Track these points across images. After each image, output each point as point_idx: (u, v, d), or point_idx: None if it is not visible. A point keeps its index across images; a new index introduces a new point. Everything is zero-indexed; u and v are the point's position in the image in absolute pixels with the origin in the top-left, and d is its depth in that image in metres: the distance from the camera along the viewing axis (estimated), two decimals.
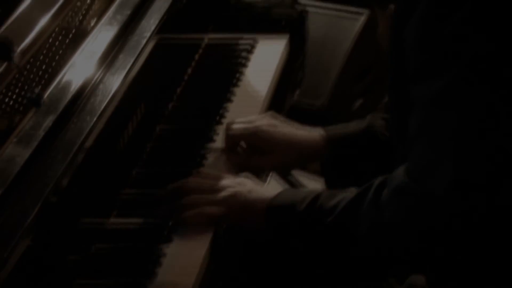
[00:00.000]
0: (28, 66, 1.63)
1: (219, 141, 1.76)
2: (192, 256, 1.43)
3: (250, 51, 2.10)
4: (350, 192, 1.41)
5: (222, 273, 1.55)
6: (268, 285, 1.71)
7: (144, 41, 1.75)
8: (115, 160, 1.67)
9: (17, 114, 1.52)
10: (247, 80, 2.01)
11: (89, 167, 1.52)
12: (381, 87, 2.53)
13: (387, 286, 1.64)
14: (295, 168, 1.83)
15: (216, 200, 1.53)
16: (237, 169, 1.71)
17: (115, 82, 1.64)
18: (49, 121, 1.48)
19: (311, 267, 1.62)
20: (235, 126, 1.73)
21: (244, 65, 2.05)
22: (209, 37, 2.14)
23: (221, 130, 1.78)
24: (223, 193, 1.53)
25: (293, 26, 2.22)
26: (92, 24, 1.83)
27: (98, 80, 1.63)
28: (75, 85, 1.58)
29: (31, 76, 1.64)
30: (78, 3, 1.86)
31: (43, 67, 1.67)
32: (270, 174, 1.84)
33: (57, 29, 1.76)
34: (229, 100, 1.92)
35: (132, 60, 1.70)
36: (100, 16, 1.83)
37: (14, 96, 1.56)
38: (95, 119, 1.53)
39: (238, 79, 2.00)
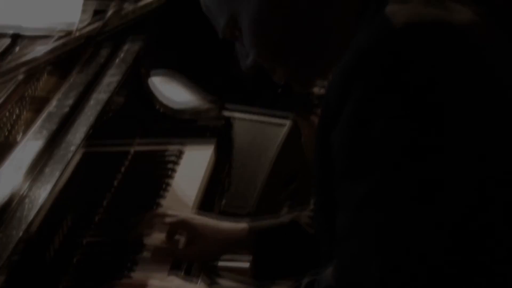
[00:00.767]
0: None
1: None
2: None
3: (176, 161, 2.12)
4: None
5: None
6: None
7: (70, 154, 1.75)
8: (42, 273, 1.63)
9: None
10: (175, 188, 2.03)
11: (16, 281, 1.49)
12: (307, 192, 2.57)
13: None
14: (219, 256, 1.84)
15: None
16: (166, 262, 1.71)
17: (41, 194, 1.62)
18: None
19: None
20: (162, 218, 1.77)
21: (171, 176, 2.06)
22: (136, 147, 2.15)
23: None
24: None
25: (219, 134, 2.25)
26: (18, 137, 1.83)
27: (24, 192, 1.61)
28: (1, 197, 1.57)
29: None
30: (4, 119, 1.87)
31: None
32: (200, 276, 1.83)
33: None
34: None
35: (58, 174, 1.69)
36: (27, 128, 1.83)
37: None
38: (21, 233, 1.51)
39: (166, 188, 2.01)
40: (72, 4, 2.22)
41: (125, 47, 2.16)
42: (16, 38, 2.08)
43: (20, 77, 1.84)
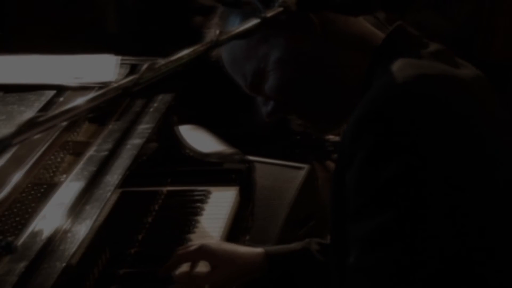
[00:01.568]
0: (2, 218, 1.64)
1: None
2: None
3: (204, 201, 2.13)
4: None
5: None
6: None
7: (108, 194, 1.76)
8: None
9: None
10: (203, 224, 2.03)
11: None
12: (323, 231, 2.57)
13: None
14: (239, 281, 1.83)
15: None
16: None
17: (82, 230, 1.63)
18: (22, 266, 1.47)
19: None
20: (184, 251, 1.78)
21: (200, 214, 2.07)
22: (168, 187, 2.17)
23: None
24: None
25: (242, 178, 2.26)
26: (62, 178, 1.85)
27: (66, 229, 1.62)
28: (46, 233, 1.58)
29: (6, 226, 1.65)
30: (49, 161, 1.89)
31: (17, 218, 1.68)
32: None
33: (29, 184, 1.78)
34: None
35: (98, 211, 1.70)
36: (69, 171, 1.85)
37: None
38: (64, 264, 1.52)
39: (194, 226, 2.02)
40: (110, 61, 2.28)
41: (158, 98, 2.20)
42: (60, 89, 2.12)
43: (63, 124, 1.87)
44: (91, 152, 1.92)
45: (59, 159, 1.95)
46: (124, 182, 1.85)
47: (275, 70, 1.47)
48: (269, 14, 1.34)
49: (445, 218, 1.24)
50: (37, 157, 1.82)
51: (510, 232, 1.31)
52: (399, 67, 1.34)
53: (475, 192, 1.26)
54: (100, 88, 1.18)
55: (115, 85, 1.18)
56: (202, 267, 1.80)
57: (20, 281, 1.44)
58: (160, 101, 2.19)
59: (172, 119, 2.23)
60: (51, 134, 1.89)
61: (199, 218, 2.06)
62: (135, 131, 2.04)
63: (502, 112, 1.44)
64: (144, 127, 2.06)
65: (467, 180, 1.26)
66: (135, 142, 1.99)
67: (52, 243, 1.57)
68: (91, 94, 1.16)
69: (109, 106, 1.20)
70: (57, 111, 1.12)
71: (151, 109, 2.14)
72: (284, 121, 1.62)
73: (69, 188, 1.76)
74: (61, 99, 2.08)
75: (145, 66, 1.21)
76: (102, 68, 2.26)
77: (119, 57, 2.31)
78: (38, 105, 2.03)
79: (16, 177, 1.73)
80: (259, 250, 1.78)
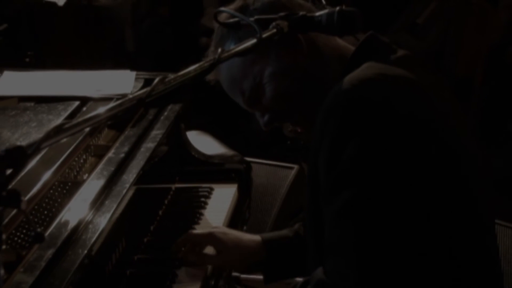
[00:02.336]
0: (33, 211, 1.64)
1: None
2: None
3: (208, 196, 2.12)
4: None
5: None
6: None
7: (125, 190, 1.76)
8: (101, 284, 1.64)
9: (24, 249, 1.51)
10: (207, 217, 2.03)
11: None
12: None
13: None
14: (242, 264, 1.83)
15: None
16: (199, 275, 1.72)
17: (102, 222, 1.63)
18: (49, 253, 1.47)
19: None
20: (193, 236, 1.77)
21: (204, 207, 2.07)
22: (176, 184, 2.16)
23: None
24: None
25: (241, 177, 2.26)
26: (84, 177, 1.85)
27: (88, 220, 1.62)
28: (71, 224, 1.58)
29: (36, 218, 1.65)
30: (74, 162, 1.89)
31: (45, 211, 1.68)
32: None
33: (56, 182, 1.77)
34: None
35: (115, 205, 1.69)
36: (91, 171, 1.85)
37: (22, 235, 1.56)
38: (86, 251, 1.51)
39: (199, 218, 2.01)
40: (127, 77, 2.28)
41: (168, 107, 2.19)
42: (84, 100, 2.12)
43: (86, 130, 1.87)
44: (110, 154, 1.91)
45: (82, 160, 1.94)
46: (139, 180, 1.84)
47: (270, 83, 1.48)
48: (265, 35, 1.35)
49: (397, 189, 1.25)
50: (63, 158, 1.81)
51: (453, 200, 1.33)
52: (363, 67, 1.37)
53: (421, 169, 1.28)
54: (118, 99, 1.18)
55: (131, 96, 1.18)
56: (208, 250, 1.80)
57: (48, 266, 1.44)
58: (170, 110, 2.18)
59: (180, 126, 2.22)
60: (76, 139, 1.89)
61: (203, 211, 2.05)
62: (148, 136, 2.03)
63: (460, 114, 1.45)
64: (156, 133, 2.05)
65: (411, 156, 1.27)
66: (148, 145, 1.98)
67: (76, 233, 1.57)
68: (111, 104, 1.16)
69: (126, 115, 1.20)
70: (80, 119, 1.12)
71: (162, 117, 2.14)
72: (277, 129, 1.63)
73: (91, 186, 1.75)
74: (85, 108, 2.08)
75: (156, 80, 1.21)
76: (120, 82, 2.26)
77: (135, 73, 2.31)
78: (64, 114, 2.02)
79: (45, 176, 1.72)
80: (257, 237, 1.78)
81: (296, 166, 2.89)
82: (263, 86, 1.49)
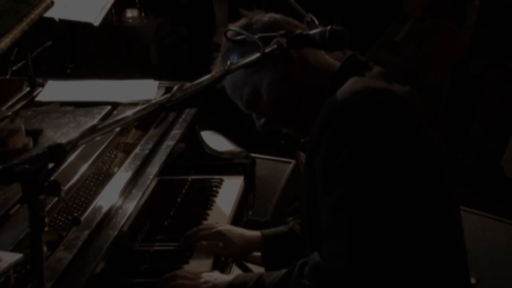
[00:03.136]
0: (71, 199, 1.63)
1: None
2: None
3: (219, 186, 2.11)
4: (282, 272, 1.41)
5: None
6: None
7: (149, 181, 1.75)
8: (129, 258, 1.63)
9: (64, 230, 1.51)
10: (218, 203, 2.01)
11: (113, 263, 1.49)
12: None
13: None
14: (244, 255, 1.82)
15: (195, 285, 1.49)
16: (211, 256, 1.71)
17: (130, 207, 1.63)
18: (85, 234, 1.47)
19: None
20: (205, 231, 1.74)
21: (215, 195, 2.05)
22: (192, 176, 2.15)
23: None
24: (200, 281, 1.51)
25: (246, 170, 2.24)
26: (115, 170, 1.84)
27: (118, 206, 1.62)
28: (103, 210, 1.57)
29: (74, 204, 1.64)
30: (106, 157, 1.88)
31: (82, 198, 1.67)
32: (233, 267, 1.82)
33: (91, 174, 1.77)
34: (205, 219, 1.90)
35: (141, 194, 1.69)
36: (120, 165, 1.84)
37: (62, 219, 1.56)
38: (115, 233, 1.51)
39: (211, 204, 2.00)
40: (151, 86, 2.27)
41: (186, 111, 2.18)
42: (115, 105, 2.12)
43: (117, 129, 1.86)
44: (136, 150, 1.91)
45: (113, 156, 1.94)
46: (161, 172, 1.83)
47: (267, 90, 1.49)
48: (267, 50, 1.34)
49: (382, 186, 1.26)
50: (97, 154, 1.81)
51: (435, 197, 1.34)
52: (350, 82, 1.37)
53: (407, 170, 1.29)
54: (144, 103, 1.18)
55: (154, 101, 1.18)
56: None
57: (84, 244, 1.44)
58: (187, 113, 2.17)
59: (195, 126, 2.21)
60: (108, 137, 1.88)
61: (215, 198, 2.04)
62: (169, 135, 2.02)
63: (431, 120, 1.44)
64: (175, 132, 2.04)
65: (399, 159, 1.29)
66: (168, 143, 1.97)
67: (108, 216, 1.57)
68: (137, 108, 1.16)
69: (150, 117, 1.19)
70: (111, 120, 1.11)
71: (180, 119, 2.13)
72: (277, 130, 1.62)
73: (120, 177, 1.75)
74: (115, 112, 2.07)
75: (176, 87, 1.20)
76: (145, 90, 2.25)
77: (158, 82, 2.30)
78: (98, 116, 2.02)
79: (82, 169, 1.72)
80: (257, 233, 1.77)
81: (293, 161, 2.89)
82: (261, 93, 1.49)
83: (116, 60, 5.30)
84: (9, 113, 1.96)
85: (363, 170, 1.26)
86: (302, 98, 1.47)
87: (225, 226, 1.80)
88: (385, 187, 1.26)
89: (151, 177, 1.77)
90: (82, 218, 1.52)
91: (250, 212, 2.17)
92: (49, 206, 1.50)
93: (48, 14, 2.24)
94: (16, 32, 1.99)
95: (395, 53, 4.42)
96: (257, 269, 2.32)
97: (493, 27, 4.46)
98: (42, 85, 2.27)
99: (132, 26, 5.67)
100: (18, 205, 1.50)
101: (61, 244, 1.43)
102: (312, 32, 1.39)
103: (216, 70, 1.37)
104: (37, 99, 2.18)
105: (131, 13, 5.76)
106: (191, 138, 2.19)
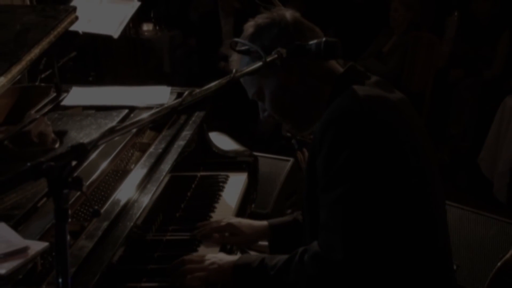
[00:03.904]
0: (92, 193, 1.62)
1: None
2: None
3: (225, 182, 2.10)
4: (283, 257, 1.39)
5: None
6: None
7: (162, 177, 1.74)
8: (144, 246, 1.62)
9: (86, 221, 1.49)
10: (224, 197, 1.99)
11: (129, 252, 1.48)
12: (301, 202, 2.55)
13: None
14: (252, 244, 1.80)
15: (202, 267, 1.48)
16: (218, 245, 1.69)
17: (145, 200, 1.61)
18: (105, 225, 1.45)
19: None
20: (216, 225, 1.72)
21: (222, 190, 2.04)
22: (200, 174, 2.13)
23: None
24: (206, 263, 1.49)
25: (250, 167, 2.22)
26: (132, 167, 1.82)
27: (134, 200, 1.60)
28: (121, 203, 1.56)
29: (94, 198, 1.62)
30: (124, 156, 1.87)
31: (102, 192, 1.66)
32: (238, 254, 1.80)
33: (111, 170, 1.75)
34: (213, 211, 1.89)
35: (155, 188, 1.68)
36: (136, 162, 1.83)
37: (84, 211, 1.55)
38: (132, 224, 1.50)
39: (218, 198, 1.98)
40: (164, 91, 2.25)
41: (195, 114, 2.17)
42: (131, 109, 2.10)
43: (133, 131, 1.85)
44: (151, 149, 1.89)
45: (130, 154, 1.93)
46: (173, 169, 1.82)
47: (269, 95, 1.48)
48: (269, 59, 1.33)
49: (376, 187, 1.26)
50: (116, 152, 1.80)
51: (420, 197, 1.34)
52: (350, 90, 1.36)
53: (398, 172, 1.29)
54: (157, 107, 1.17)
55: (167, 105, 1.17)
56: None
57: (104, 234, 1.43)
58: (197, 116, 2.16)
59: (204, 128, 2.20)
60: (125, 137, 1.87)
61: (221, 193, 2.02)
62: (180, 136, 2.00)
63: (419, 123, 1.44)
64: (186, 133, 2.03)
65: (392, 162, 1.29)
66: (180, 143, 1.96)
67: (125, 209, 1.55)
68: (151, 111, 1.15)
69: (163, 119, 1.18)
70: (129, 122, 1.11)
71: (190, 121, 2.12)
72: (277, 131, 1.62)
73: (137, 173, 1.73)
74: (132, 115, 2.06)
75: (186, 93, 1.20)
76: (159, 95, 2.23)
77: (170, 88, 2.29)
78: (117, 118, 2.01)
79: (102, 166, 1.71)
80: (264, 223, 1.75)
81: (291, 159, 2.87)
82: (264, 95, 1.48)
83: (133, 69, 5.30)
84: (38, 116, 1.95)
85: (360, 172, 1.26)
86: (301, 105, 1.46)
87: (234, 218, 1.78)
88: (379, 187, 1.26)
89: (164, 173, 1.76)
90: (102, 210, 1.51)
91: (253, 205, 2.16)
92: (72, 199, 1.49)
93: (73, 27, 2.23)
94: (44, 44, 1.98)
95: (382, 63, 4.41)
96: None
97: (470, 40, 4.46)
98: (67, 91, 2.26)
99: (147, 38, 5.67)
100: (45, 199, 1.50)
101: (83, 234, 1.41)
102: (309, 43, 1.38)
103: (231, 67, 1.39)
104: (63, 103, 2.17)
105: (146, 27, 5.76)
106: (200, 138, 2.17)
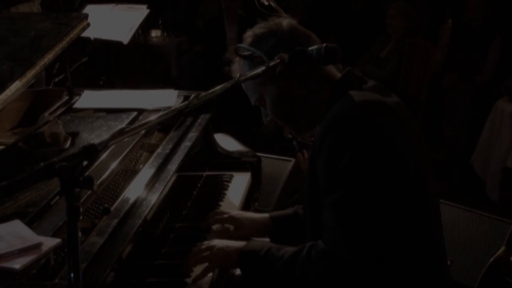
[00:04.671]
0: (103, 191, 1.61)
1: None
2: None
3: (229, 181, 2.09)
4: (290, 249, 1.37)
5: None
6: None
7: (169, 176, 1.73)
8: (152, 243, 1.61)
9: (96, 218, 1.49)
10: (228, 196, 1.99)
11: (137, 247, 1.47)
12: (301, 200, 2.54)
13: None
14: (255, 235, 1.79)
15: (209, 253, 1.47)
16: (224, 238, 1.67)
17: (153, 198, 1.60)
18: (114, 222, 1.45)
19: None
20: (219, 216, 1.72)
21: (226, 189, 2.03)
22: (206, 173, 2.13)
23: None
24: (214, 250, 1.48)
25: (253, 167, 2.22)
26: (140, 167, 1.82)
27: (143, 198, 1.60)
28: (130, 201, 1.55)
29: (105, 196, 1.62)
30: (133, 156, 1.87)
31: (112, 191, 1.65)
32: None
33: (120, 170, 1.75)
34: (218, 209, 1.87)
35: (162, 187, 1.67)
36: (145, 162, 1.82)
37: (95, 208, 1.54)
38: (140, 221, 1.49)
39: (223, 197, 1.98)
40: (172, 95, 2.25)
41: (201, 116, 2.16)
42: (140, 111, 2.10)
43: (142, 132, 1.85)
44: (159, 150, 1.89)
45: (139, 155, 1.92)
46: (179, 169, 1.81)
47: (270, 104, 1.48)
48: (271, 64, 1.32)
49: (375, 190, 1.25)
50: (125, 153, 1.79)
51: (418, 199, 1.33)
52: (349, 95, 1.35)
53: (398, 174, 1.28)
54: (165, 110, 1.16)
55: (174, 108, 1.17)
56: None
57: (114, 231, 1.42)
58: (202, 118, 2.16)
59: (210, 129, 2.19)
60: (134, 138, 1.86)
61: (226, 192, 2.01)
62: (186, 137, 2.00)
63: (414, 126, 1.43)
64: (192, 134, 2.02)
65: (390, 165, 1.28)
66: (186, 144, 1.95)
67: (134, 207, 1.55)
68: (159, 114, 1.15)
69: (170, 121, 1.18)
70: (137, 124, 1.11)
71: (197, 123, 2.11)
72: (279, 133, 1.61)
73: (145, 173, 1.73)
74: (141, 117, 2.06)
75: (192, 96, 1.19)
76: (167, 98, 2.23)
77: (177, 91, 2.28)
78: (126, 120, 2.01)
79: (112, 166, 1.70)
80: (266, 215, 1.74)
81: (293, 159, 2.87)
82: (266, 101, 1.47)
83: (142, 73, 5.30)
84: (51, 118, 1.95)
85: (360, 175, 1.25)
86: (300, 109, 1.46)
87: (236, 211, 1.77)
88: (378, 188, 1.26)
89: (171, 173, 1.75)
90: (112, 208, 1.50)
91: (256, 203, 2.15)
92: (84, 197, 1.48)
93: (85, 34, 2.23)
94: (57, 50, 1.98)
95: (380, 68, 4.40)
96: None
97: (463, 47, 4.45)
98: (79, 94, 2.26)
99: (156, 44, 5.67)
100: (57, 197, 1.50)
101: (94, 231, 1.41)
102: (309, 48, 1.37)
103: (234, 71, 1.39)
104: (75, 106, 2.17)
105: (155, 33, 5.76)
106: (206, 140, 2.17)
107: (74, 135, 1.86)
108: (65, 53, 2.07)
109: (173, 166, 1.79)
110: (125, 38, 3.06)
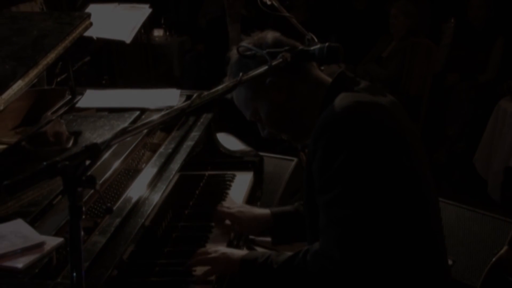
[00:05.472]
0: (106, 190, 1.61)
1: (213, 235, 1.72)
2: None
3: (232, 180, 2.09)
4: (288, 254, 1.39)
5: None
6: None
7: (172, 176, 1.73)
8: (154, 242, 1.61)
9: (99, 217, 1.49)
10: (231, 196, 1.98)
11: (140, 247, 1.47)
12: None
13: None
14: (256, 230, 1.79)
15: (212, 258, 1.48)
16: (225, 241, 1.68)
17: (155, 198, 1.60)
18: (117, 221, 1.45)
19: None
20: (222, 209, 1.73)
21: (229, 188, 2.03)
22: (208, 173, 2.13)
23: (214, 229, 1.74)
24: (216, 254, 1.49)
25: (255, 166, 2.21)
26: (143, 166, 1.82)
27: (145, 197, 1.60)
28: (132, 200, 1.55)
29: (107, 196, 1.62)
30: (135, 155, 1.86)
31: (114, 190, 1.65)
32: (244, 246, 1.79)
33: (123, 169, 1.75)
34: None
35: (165, 186, 1.67)
36: (147, 162, 1.82)
37: (97, 208, 1.54)
38: (143, 220, 1.49)
39: (225, 196, 1.97)
40: (174, 94, 2.25)
41: (203, 116, 2.16)
42: (142, 110, 2.10)
43: (144, 132, 1.84)
44: (161, 149, 1.88)
45: (141, 154, 1.92)
46: (182, 168, 1.81)
47: (265, 117, 1.49)
48: (274, 63, 1.32)
49: (370, 191, 1.25)
50: (127, 152, 1.79)
51: (415, 196, 1.33)
52: (341, 97, 1.35)
53: (392, 174, 1.28)
54: (167, 109, 1.16)
55: (176, 107, 1.16)
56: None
57: (116, 230, 1.42)
58: (205, 117, 2.15)
59: (212, 129, 2.19)
60: (137, 138, 1.86)
61: (228, 191, 2.01)
62: (189, 136, 2.00)
63: (411, 125, 1.43)
64: (194, 134, 2.02)
65: (385, 164, 1.28)
66: (188, 143, 1.95)
67: (136, 206, 1.55)
68: (162, 113, 1.14)
69: (173, 121, 1.18)
70: (140, 124, 1.10)
71: (199, 123, 2.11)
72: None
73: (147, 172, 1.72)
74: (143, 116, 2.05)
75: (195, 95, 1.19)
76: (169, 97, 2.22)
77: (180, 90, 2.28)
78: (129, 120, 2.01)
79: (115, 165, 1.70)
80: (267, 210, 1.74)
81: (295, 159, 2.86)
82: (260, 116, 1.49)
83: (144, 72, 5.30)
84: (54, 117, 1.95)
85: (354, 175, 1.26)
86: (295, 118, 1.47)
87: (238, 208, 1.77)
88: (373, 188, 1.25)
89: (173, 172, 1.75)
90: (115, 207, 1.50)
91: (258, 203, 2.15)
92: (86, 197, 1.48)
93: (88, 33, 2.23)
94: (60, 49, 1.98)
95: (382, 67, 4.39)
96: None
97: (465, 46, 4.44)
98: (82, 94, 2.25)
99: (158, 43, 5.68)
100: (60, 196, 1.49)
101: (96, 230, 1.41)
102: (312, 48, 1.37)
103: (228, 81, 1.36)
104: (77, 105, 2.17)
105: (157, 33, 5.76)
106: (208, 139, 2.16)
107: (77, 135, 1.86)
108: (67, 53, 2.06)
109: (175, 165, 1.79)
110: (127, 38, 3.06)
